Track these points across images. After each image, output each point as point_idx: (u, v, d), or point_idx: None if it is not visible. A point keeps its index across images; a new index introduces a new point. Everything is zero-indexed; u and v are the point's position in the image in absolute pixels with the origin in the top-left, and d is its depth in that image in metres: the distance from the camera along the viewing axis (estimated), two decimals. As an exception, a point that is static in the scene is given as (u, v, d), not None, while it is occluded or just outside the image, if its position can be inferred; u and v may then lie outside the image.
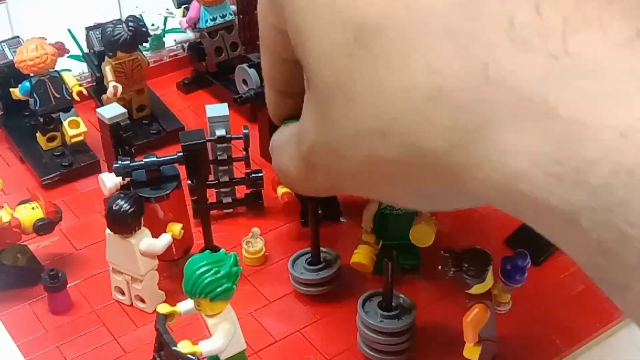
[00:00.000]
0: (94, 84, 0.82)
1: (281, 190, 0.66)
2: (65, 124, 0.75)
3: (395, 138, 0.35)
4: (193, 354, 0.47)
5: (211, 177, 0.67)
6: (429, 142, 0.34)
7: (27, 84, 0.74)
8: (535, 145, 0.30)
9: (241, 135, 0.66)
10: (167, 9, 0.93)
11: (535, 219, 0.32)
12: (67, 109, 0.75)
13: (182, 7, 0.85)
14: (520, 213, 0.32)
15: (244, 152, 0.67)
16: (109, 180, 0.61)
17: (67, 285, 0.61)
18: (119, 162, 0.61)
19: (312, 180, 0.44)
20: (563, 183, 0.29)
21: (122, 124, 0.68)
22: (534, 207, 0.30)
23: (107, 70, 0.76)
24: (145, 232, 0.59)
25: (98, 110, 0.69)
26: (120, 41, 0.75)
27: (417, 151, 0.35)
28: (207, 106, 0.68)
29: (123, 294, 0.62)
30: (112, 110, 0.68)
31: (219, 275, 0.46)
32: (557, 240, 0.32)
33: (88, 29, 0.82)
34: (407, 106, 0.34)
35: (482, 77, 0.31)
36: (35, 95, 0.74)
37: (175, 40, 0.88)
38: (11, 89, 0.75)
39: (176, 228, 0.61)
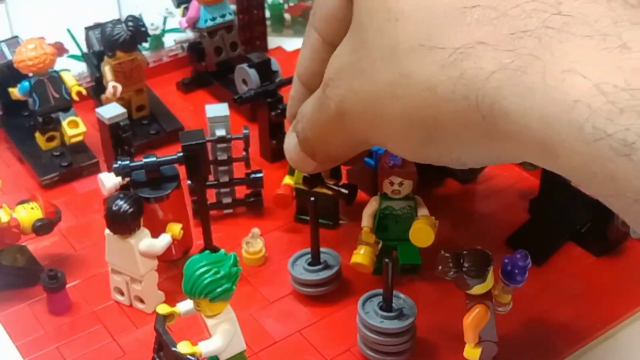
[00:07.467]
0: (94, 84, 0.82)
1: (285, 181, 0.67)
2: (64, 124, 0.75)
3: (439, 56, 0.38)
4: (192, 354, 0.47)
5: (211, 178, 0.67)
6: (474, 62, 0.36)
7: (26, 83, 0.73)
8: (603, 73, 0.32)
9: (241, 136, 0.66)
10: (167, 9, 0.93)
11: (576, 156, 0.33)
12: (66, 109, 0.75)
13: (182, 6, 0.85)
14: (558, 152, 0.34)
15: (244, 153, 0.67)
16: (109, 181, 0.61)
17: (66, 286, 0.61)
18: (119, 162, 0.61)
19: (324, 108, 0.47)
20: (623, 113, 0.31)
21: (121, 124, 0.68)
22: (581, 141, 0.32)
23: (107, 70, 0.76)
24: (144, 232, 0.59)
25: (97, 110, 0.69)
26: (120, 41, 0.75)
27: (459, 73, 0.37)
28: (207, 106, 0.68)
29: (122, 294, 0.62)
30: (111, 110, 0.68)
31: (218, 275, 0.46)
32: (595, 180, 0.33)
33: (87, 28, 0.81)
34: (459, 24, 0.37)
35: (553, 8, 0.34)
36: (34, 95, 0.74)
37: (174, 40, 0.88)
38: (10, 89, 0.75)
39: (176, 228, 0.61)
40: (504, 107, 0.36)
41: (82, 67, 0.86)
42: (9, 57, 0.75)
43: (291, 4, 0.99)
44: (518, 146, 0.37)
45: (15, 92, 0.74)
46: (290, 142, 0.54)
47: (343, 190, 0.62)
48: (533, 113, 0.34)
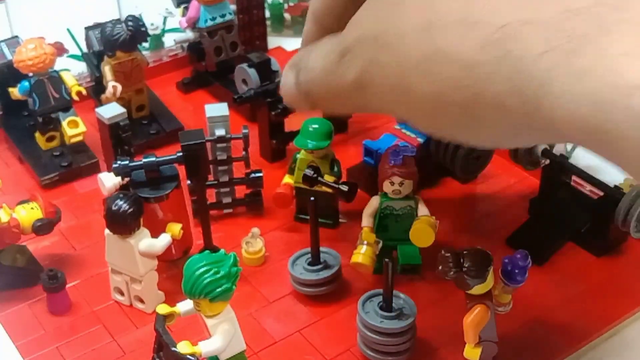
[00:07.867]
0: (93, 83, 0.82)
1: (285, 180, 0.67)
2: (64, 124, 0.75)
3: (482, 32, 0.35)
4: (192, 354, 0.47)
5: (211, 177, 0.67)
6: (522, 42, 0.34)
7: (26, 83, 0.73)
8: None
9: (241, 135, 0.66)
10: (167, 9, 0.93)
11: (631, 146, 0.31)
12: (66, 109, 0.75)
13: (182, 6, 0.85)
14: (610, 140, 0.32)
15: (244, 152, 0.67)
16: (108, 181, 0.61)
17: (66, 286, 0.61)
18: (118, 162, 0.61)
19: (337, 76, 0.44)
20: None
21: (121, 123, 0.68)
22: (639, 129, 0.30)
23: (107, 70, 0.76)
24: (144, 232, 0.59)
25: (97, 110, 0.69)
26: (120, 41, 0.75)
27: (503, 53, 0.35)
28: (206, 106, 0.68)
29: (122, 294, 0.62)
30: (111, 110, 0.68)
31: (218, 275, 0.46)
32: None
33: (87, 28, 0.82)
34: (506, 0, 0.34)
35: None
36: (34, 95, 0.74)
37: (174, 40, 0.88)
38: (10, 89, 0.75)
39: (176, 228, 0.61)
40: (553, 90, 0.33)
41: (82, 67, 0.86)
42: (9, 57, 0.75)
43: (291, 4, 0.99)
44: (564, 132, 0.35)
45: (15, 92, 0.74)
46: (288, 82, 0.49)
47: (343, 188, 0.62)
48: (585, 98, 0.32)
